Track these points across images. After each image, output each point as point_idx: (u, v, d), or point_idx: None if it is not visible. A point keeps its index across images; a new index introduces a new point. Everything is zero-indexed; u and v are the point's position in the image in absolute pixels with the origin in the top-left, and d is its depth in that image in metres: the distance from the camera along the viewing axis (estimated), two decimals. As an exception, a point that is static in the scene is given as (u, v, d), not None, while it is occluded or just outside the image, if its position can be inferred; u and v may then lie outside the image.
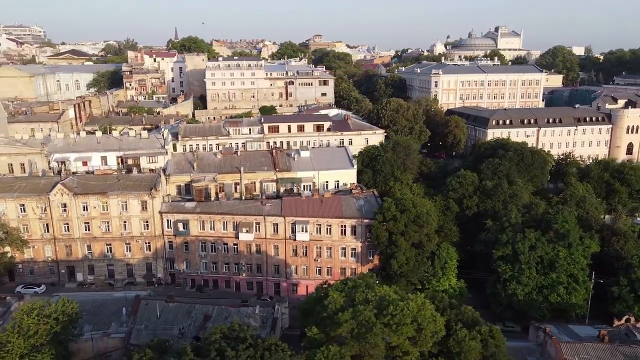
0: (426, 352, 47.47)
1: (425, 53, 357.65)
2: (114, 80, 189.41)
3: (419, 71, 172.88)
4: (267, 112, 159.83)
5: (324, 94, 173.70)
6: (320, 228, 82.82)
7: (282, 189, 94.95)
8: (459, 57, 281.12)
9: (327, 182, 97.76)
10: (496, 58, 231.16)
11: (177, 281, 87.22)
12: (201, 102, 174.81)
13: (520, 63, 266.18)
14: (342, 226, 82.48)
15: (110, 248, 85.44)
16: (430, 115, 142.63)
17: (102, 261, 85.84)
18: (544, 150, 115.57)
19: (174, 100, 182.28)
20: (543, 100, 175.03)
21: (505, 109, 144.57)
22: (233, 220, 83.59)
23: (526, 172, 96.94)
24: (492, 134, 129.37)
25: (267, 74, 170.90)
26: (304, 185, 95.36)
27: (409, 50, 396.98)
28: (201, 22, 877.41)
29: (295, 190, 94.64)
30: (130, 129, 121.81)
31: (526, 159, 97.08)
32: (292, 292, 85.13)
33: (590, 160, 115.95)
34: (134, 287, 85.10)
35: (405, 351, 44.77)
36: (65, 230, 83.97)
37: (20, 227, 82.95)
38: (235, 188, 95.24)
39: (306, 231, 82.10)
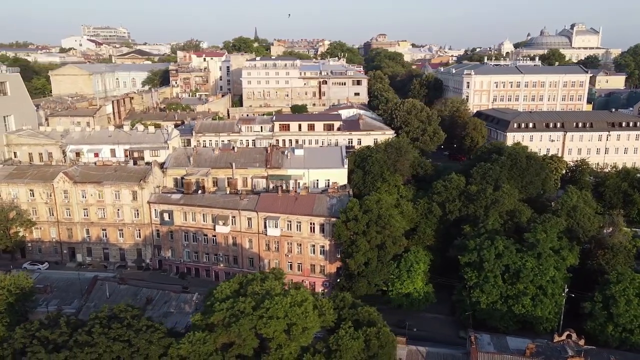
0: (312, 348, 48.79)
1: (493, 52, 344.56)
2: (166, 79, 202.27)
3: (453, 71, 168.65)
4: (298, 110, 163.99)
5: (357, 94, 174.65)
6: (290, 224, 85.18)
7: (271, 186, 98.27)
8: (524, 56, 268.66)
9: (317, 180, 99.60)
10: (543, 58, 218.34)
11: (163, 267, 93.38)
12: (240, 100, 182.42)
13: (591, 62, 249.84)
14: (311, 224, 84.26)
15: (106, 233, 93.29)
16: (454, 117, 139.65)
17: (99, 244, 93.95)
18: (558, 156, 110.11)
19: (223, 96, 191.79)
20: (590, 102, 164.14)
21: (530, 112, 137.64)
22: (211, 212, 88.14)
23: (519, 178, 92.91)
24: (513, 137, 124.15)
25: (301, 73, 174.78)
26: (294, 183, 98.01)
27: (477, 50, 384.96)
28: (280, 20, 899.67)
29: (284, 187, 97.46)
30: (157, 124, 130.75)
31: (520, 164, 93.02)
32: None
33: (611, 169, 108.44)
34: (125, 271, 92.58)
35: (279, 344, 46.42)
36: (67, 215, 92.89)
37: (30, 210, 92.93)
38: (228, 183, 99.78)
39: (277, 227, 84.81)
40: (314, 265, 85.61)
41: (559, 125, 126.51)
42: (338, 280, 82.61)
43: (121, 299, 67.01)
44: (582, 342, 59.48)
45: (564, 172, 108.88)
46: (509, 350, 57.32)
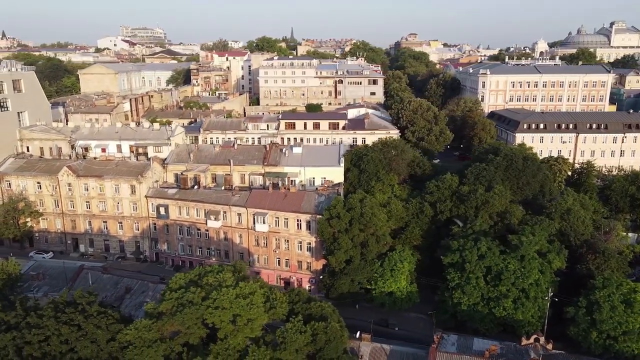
0: (261, 340, 49.89)
1: (517, 52, 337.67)
2: (189, 78, 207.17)
3: (470, 71, 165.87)
4: (313, 109, 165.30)
5: (373, 93, 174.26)
6: (278, 221, 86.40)
7: (267, 182, 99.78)
8: (557, 56, 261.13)
9: (313, 178, 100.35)
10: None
11: (160, 260, 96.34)
12: (258, 99, 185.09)
13: (628, 62, 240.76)
14: (298, 220, 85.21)
15: (106, 225, 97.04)
16: (466, 117, 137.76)
17: (100, 236, 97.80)
18: (564, 158, 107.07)
19: (240, 95, 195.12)
20: (615, 103, 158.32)
21: (542, 112, 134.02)
22: (204, 207, 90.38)
23: (515, 179, 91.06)
24: (522, 138, 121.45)
25: (317, 72, 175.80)
26: (290, 180, 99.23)
27: (511, 49, 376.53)
28: (317, 20, 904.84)
29: (280, 185, 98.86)
30: (169, 121, 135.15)
31: (516, 165, 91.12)
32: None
33: (619, 172, 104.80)
34: (124, 262, 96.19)
35: (226, 334, 47.72)
36: (71, 207, 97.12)
37: (37, 202, 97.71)
38: (226, 179, 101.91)
39: (264, 223, 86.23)
40: (301, 261, 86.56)
41: (571, 126, 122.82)
42: (321, 277, 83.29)
43: (103, 287, 70.05)
44: (550, 346, 58.24)
45: (569, 174, 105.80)
46: (471, 351, 56.65)
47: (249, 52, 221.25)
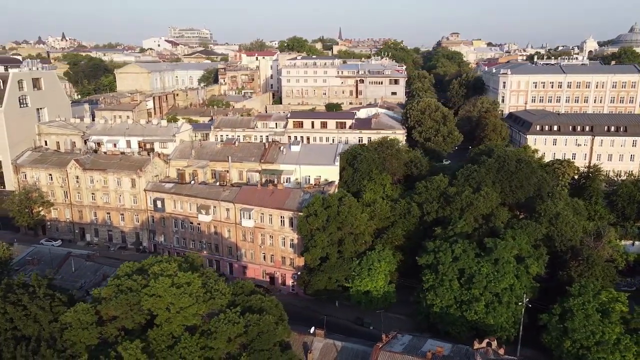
0: (199, 328, 51.86)
1: (548, 51, 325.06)
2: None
3: (493, 71, 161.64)
4: (332, 108, 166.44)
5: (394, 93, 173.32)
6: (263, 217, 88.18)
7: (263, 179, 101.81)
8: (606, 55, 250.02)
9: (308, 176, 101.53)
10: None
11: (157, 251, 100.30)
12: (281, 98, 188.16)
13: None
14: (281, 217, 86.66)
15: (110, 216, 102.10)
16: (482, 118, 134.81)
17: (104, 226, 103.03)
18: (569, 161, 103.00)
19: (272, 95, 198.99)
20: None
21: (558, 113, 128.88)
22: (196, 202, 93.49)
23: (507, 182, 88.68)
24: (534, 140, 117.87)
25: (338, 72, 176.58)
26: (286, 178, 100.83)
27: (559, 48, 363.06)
28: (366, 19, 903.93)
29: (275, 182, 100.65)
30: (189, 119, 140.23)
31: (508, 167, 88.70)
32: (243, 274, 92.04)
33: (627, 177, 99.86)
34: (125, 252, 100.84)
35: (161, 321, 49.99)
36: (78, 198, 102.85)
37: (49, 192, 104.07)
38: (221, 175, 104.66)
39: (250, 218, 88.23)
40: (285, 257, 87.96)
41: (587, 128, 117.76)
42: (299, 273, 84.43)
43: (84, 274, 74.34)
44: (501, 350, 56.94)
45: (576, 177, 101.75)
46: (418, 352, 56.27)
47: (278, 52, 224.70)
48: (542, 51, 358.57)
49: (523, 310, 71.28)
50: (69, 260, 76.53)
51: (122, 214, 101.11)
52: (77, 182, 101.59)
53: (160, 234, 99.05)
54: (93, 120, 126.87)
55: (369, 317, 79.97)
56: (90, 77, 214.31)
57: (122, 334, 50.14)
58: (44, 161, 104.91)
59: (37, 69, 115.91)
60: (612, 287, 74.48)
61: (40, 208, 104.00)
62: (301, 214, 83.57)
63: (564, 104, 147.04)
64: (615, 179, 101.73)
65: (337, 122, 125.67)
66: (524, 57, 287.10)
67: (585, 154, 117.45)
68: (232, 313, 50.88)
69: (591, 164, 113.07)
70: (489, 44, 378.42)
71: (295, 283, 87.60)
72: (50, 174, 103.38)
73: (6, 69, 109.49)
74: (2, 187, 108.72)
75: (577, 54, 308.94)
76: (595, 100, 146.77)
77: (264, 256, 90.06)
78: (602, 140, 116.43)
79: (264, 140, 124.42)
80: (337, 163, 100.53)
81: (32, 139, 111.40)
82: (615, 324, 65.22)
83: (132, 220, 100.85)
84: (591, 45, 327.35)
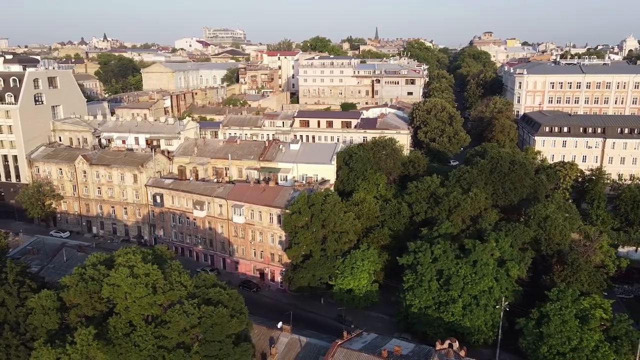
0: (159, 318, 53.70)
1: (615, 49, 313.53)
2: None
3: (511, 71, 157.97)
4: (347, 108, 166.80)
5: (410, 93, 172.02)
6: (253, 213, 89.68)
7: (261, 177, 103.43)
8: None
9: (305, 175, 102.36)
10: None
11: (158, 244, 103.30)
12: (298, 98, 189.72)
13: None
14: (270, 214, 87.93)
15: (114, 210, 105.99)
16: (494, 119, 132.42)
17: (109, 220, 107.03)
18: (571, 163, 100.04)
19: (292, 95, 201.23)
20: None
21: (570, 114, 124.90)
22: (192, 198, 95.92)
23: (499, 183, 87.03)
24: (542, 142, 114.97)
25: (354, 72, 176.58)
26: (283, 176, 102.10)
27: (598, 47, 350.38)
28: (403, 19, 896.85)
29: (271, 179, 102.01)
30: (203, 117, 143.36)
31: (501, 169, 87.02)
32: (235, 269, 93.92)
33: (633, 181, 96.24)
34: (127, 245, 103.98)
35: (120, 310, 52.12)
36: (85, 192, 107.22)
37: (59, 186, 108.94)
38: (219, 172, 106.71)
39: (241, 215, 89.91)
40: (273, 254, 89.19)
41: (599, 130, 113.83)
42: (284, 270, 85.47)
43: (74, 263, 77.23)
44: (462, 352, 56.20)
45: (579, 180, 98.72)
46: (376, 350, 56.35)
47: (300, 52, 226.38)
48: (582, 50, 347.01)
49: (502, 313, 70.20)
50: (62, 250, 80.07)
51: (125, 208, 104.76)
52: (85, 176, 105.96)
53: (160, 228, 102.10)
54: (111, 117, 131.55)
55: (351, 316, 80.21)
56: (119, 76, 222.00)
57: (82, 320, 52.47)
58: (55, 156, 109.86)
59: (53, 68, 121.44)
60: (599, 293, 72.42)
61: (51, 201, 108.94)
62: (287, 211, 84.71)
63: (582, 105, 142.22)
64: (620, 182, 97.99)
65: (342, 121, 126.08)
66: (557, 57, 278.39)
67: (597, 157, 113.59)
68: (188, 304, 52.37)
69: (601, 168, 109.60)
70: (524, 44, 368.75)
71: (282, 279, 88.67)
72: (61, 169, 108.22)
73: (24, 69, 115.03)
74: (17, 180, 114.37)
75: (616, 53, 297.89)
76: (616, 101, 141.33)
77: (255, 252, 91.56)
78: (614, 142, 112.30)
79: (271, 139, 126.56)
80: (334, 162, 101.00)
81: (47, 135, 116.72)
82: (595, 331, 63.59)
83: (135, 215, 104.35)
84: (632, 44, 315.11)
